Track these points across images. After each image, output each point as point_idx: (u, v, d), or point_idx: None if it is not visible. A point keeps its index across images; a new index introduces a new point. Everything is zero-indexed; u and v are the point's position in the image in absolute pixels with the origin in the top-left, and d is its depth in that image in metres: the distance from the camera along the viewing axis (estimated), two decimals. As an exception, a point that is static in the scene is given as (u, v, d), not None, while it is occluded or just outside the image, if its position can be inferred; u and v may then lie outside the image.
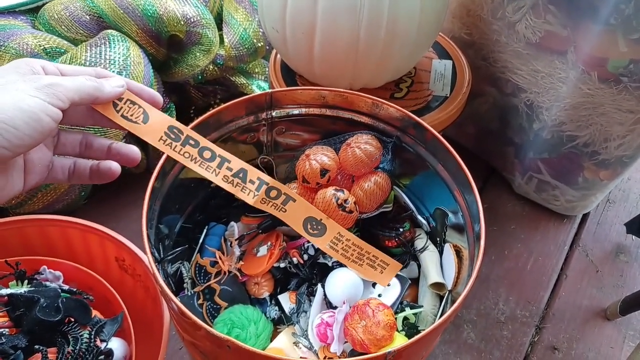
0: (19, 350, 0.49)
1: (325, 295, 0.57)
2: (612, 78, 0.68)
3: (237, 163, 0.51)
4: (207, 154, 0.50)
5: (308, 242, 0.59)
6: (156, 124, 0.48)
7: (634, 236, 0.90)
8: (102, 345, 0.53)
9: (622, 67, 0.66)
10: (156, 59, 0.86)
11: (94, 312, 0.57)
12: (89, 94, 0.43)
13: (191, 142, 0.49)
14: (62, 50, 0.78)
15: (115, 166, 0.49)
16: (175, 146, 0.49)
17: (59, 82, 0.41)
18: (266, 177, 0.52)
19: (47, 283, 0.58)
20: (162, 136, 0.48)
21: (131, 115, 0.47)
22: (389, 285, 0.59)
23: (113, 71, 0.73)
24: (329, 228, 0.53)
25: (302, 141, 0.65)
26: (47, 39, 0.78)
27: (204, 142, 0.50)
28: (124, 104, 0.47)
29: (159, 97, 0.50)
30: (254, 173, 0.51)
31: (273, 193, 0.52)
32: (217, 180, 0.50)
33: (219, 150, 0.50)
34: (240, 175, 0.51)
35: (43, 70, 0.42)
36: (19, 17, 0.82)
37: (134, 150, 0.50)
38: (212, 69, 0.92)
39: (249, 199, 0.51)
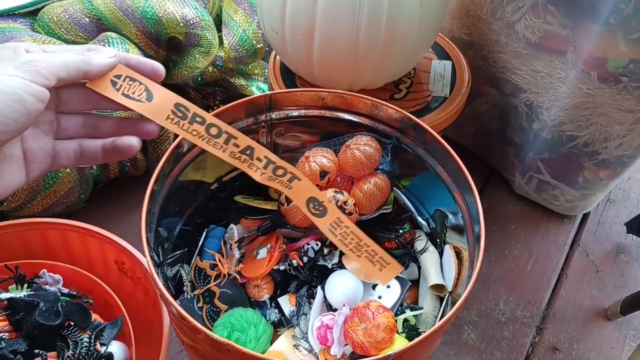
0: (19, 354, 0.49)
1: (325, 297, 0.57)
2: (612, 78, 0.68)
3: (243, 140, 0.49)
4: (213, 131, 0.47)
5: (308, 244, 0.59)
6: (162, 102, 0.45)
7: (634, 236, 0.90)
8: (102, 349, 0.53)
9: (622, 67, 0.66)
10: (156, 61, 0.86)
11: (94, 316, 0.57)
12: (77, 69, 0.40)
13: (198, 119, 0.46)
14: (61, 53, 0.78)
15: (136, 141, 0.45)
16: (183, 124, 0.46)
17: (41, 59, 0.38)
18: (273, 157, 0.51)
19: (47, 287, 0.58)
20: (169, 115, 0.45)
21: (133, 93, 0.44)
22: (388, 287, 0.59)
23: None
24: (330, 211, 0.53)
25: (302, 143, 0.65)
26: (47, 41, 0.77)
27: (210, 118, 0.47)
28: (123, 81, 0.44)
29: (160, 69, 0.46)
30: (261, 151, 0.50)
31: (280, 171, 0.51)
32: (225, 157, 0.48)
33: (225, 127, 0.48)
34: (248, 152, 0.49)
35: (25, 51, 0.39)
36: (18, 19, 0.82)
37: (150, 125, 0.46)
38: (212, 70, 0.92)
39: (256, 176, 0.50)
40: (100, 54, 0.42)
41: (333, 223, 0.53)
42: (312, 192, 0.53)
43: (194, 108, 0.46)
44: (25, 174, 0.42)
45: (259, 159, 0.50)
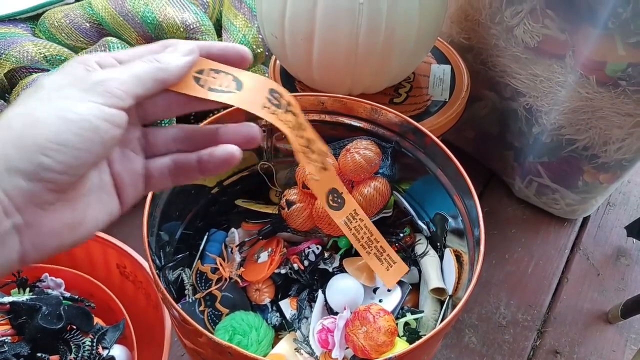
0: (22, 358, 0.50)
1: (326, 301, 0.57)
2: (611, 82, 0.68)
3: (309, 132, 0.43)
4: (295, 120, 0.41)
5: (309, 247, 0.59)
6: (254, 89, 0.38)
7: (634, 239, 0.90)
8: (104, 353, 0.54)
9: (620, 71, 0.66)
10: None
11: (96, 320, 0.57)
12: (153, 79, 0.34)
13: (290, 108, 0.40)
14: (63, 58, 0.78)
15: (237, 150, 0.38)
16: (280, 114, 0.39)
17: (112, 76, 0.32)
18: (324, 147, 0.45)
19: (49, 291, 0.58)
20: (264, 103, 0.38)
21: (220, 86, 0.38)
22: (389, 290, 0.59)
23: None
24: (347, 203, 0.52)
25: (302, 147, 0.65)
26: (48, 46, 0.78)
27: (296, 106, 0.41)
28: (207, 75, 0.38)
29: (247, 53, 0.39)
30: (318, 144, 0.44)
31: (321, 160, 0.46)
32: (295, 148, 0.41)
33: (300, 116, 0.41)
34: (309, 145, 0.44)
35: (98, 65, 0.34)
36: (20, 24, 0.83)
37: (253, 128, 0.39)
38: (212, 75, 0.92)
39: (311, 168, 0.45)
40: (175, 54, 0.36)
41: (349, 216, 0.52)
42: (334, 183, 0.51)
43: (285, 93, 0.40)
44: (117, 202, 0.37)
45: (313, 151, 0.45)
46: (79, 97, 0.31)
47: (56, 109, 0.30)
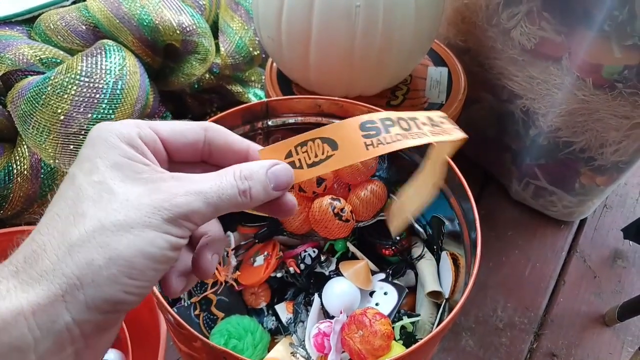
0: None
1: (322, 304, 0.57)
2: (607, 84, 0.68)
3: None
4: (403, 124, 0.36)
5: (305, 251, 0.59)
6: (348, 138, 0.34)
7: (631, 241, 0.90)
8: (99, 357, 0.53)
9: (617, 73, 0.66)
10: (152, 68, 0.86)
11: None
12: (233, 206, 0.31)
13: (388, 122, 0.36)
14: (58, 61, 0.78)
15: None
16: (386, 137, 0.35)
17: (194, 207, 0.29)
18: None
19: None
20: (365, 142, 0.34)
21: (316, 156, 0.34)
22: (385, 294, 0.59)
23: (109, 81, 0.73)
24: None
25: (298, 150, 0.64)
26: (43, 49, 0.78)
27: (392, 114, 0.37)
28: (298, 154, 0.34)
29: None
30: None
31: None
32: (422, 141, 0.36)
33: (413, 120, 0.37)
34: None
35: (140, 139, 0.30)
36: (15, 27, 0.83)
37: None
38: (209, 77, 0.92)
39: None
40: (268, 188, 0.32)
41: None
42: None
43: (376, 116, 0.36)
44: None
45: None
46: (159, 227, 0.28)
47: (138, 243, 0.28)
